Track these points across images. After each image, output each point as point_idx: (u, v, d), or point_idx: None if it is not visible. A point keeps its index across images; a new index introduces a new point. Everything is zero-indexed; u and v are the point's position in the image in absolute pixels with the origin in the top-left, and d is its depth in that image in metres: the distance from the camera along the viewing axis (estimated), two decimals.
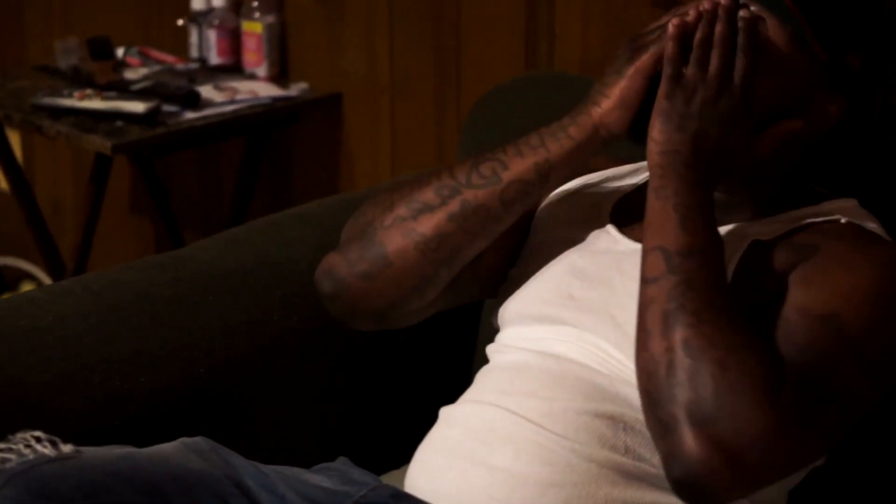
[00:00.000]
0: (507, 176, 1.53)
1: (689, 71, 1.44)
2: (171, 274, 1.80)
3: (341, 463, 1.57)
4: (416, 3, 2.54)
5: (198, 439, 1.51)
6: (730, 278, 1.45)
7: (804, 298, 1.41)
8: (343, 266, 1.62)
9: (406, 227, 1.57)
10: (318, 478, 1.53)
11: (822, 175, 1.65)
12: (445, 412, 1.59)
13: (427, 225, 1.56)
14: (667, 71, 1.45)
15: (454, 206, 1.55)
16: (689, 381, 1.33)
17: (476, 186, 1.54)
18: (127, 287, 1.77)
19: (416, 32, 2.55)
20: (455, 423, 1.55)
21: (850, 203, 1.59)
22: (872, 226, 1.55)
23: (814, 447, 1.39)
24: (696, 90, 1.44)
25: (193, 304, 1.77)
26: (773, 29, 1.50)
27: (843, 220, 1.54)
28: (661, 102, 1.45)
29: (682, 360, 1.34)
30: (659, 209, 1.42)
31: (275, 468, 1.52)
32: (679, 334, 1.35)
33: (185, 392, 1.72)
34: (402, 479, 1.57)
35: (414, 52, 2.57)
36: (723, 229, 1.52)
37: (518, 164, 1.53)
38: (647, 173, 1.61)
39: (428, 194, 1.57)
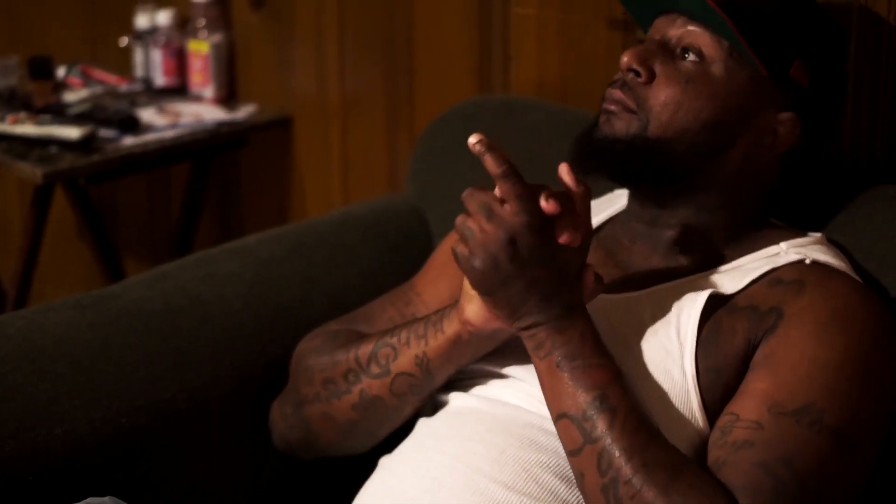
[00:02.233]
0: (394, 367, 1.55)
1: (461, 249, 1.39)
2: (93, 315, 1.73)
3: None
4: (368, 22, 2.48)
5: (106, 499, 1.48)
6: (693, 341, 1.43)
7: (774, 390, 1.37)
8: (282, 425, 1.69)
9: (323, 409, 1.61)
10: None
11: (783, 206, 1.61)
12: (386, 460, 1.57)
13: (338, 410, 1.60)
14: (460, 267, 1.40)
15: (356, 395, 1.57)
16: None
17: (372, 376, 1.56)
18: (43, 330, 1.70)
19: (367, 53, 2.50)
20: (396, 470, 1.51)
21: (815, 238, 1.55)
22: (839, 263, 1.50)
23: None
24: (486, 261, 1.36)
25: (116, 348, 1.70)
26: (709, 46, 1.48)
27: (807, 261, 1.49)
28: (470, 290, 1.44)
29: None
30: (545, 371, 1.40)
31: None
32: None
33: (104, 444, 1.64)
34: None
35: (365, 74, 2.51)
36: (676, 283, 1.51)
37: (404, 355, 1.54)
38: (604, 213, 1.56)
39: (339, 375, 1.59)
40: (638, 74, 1.49)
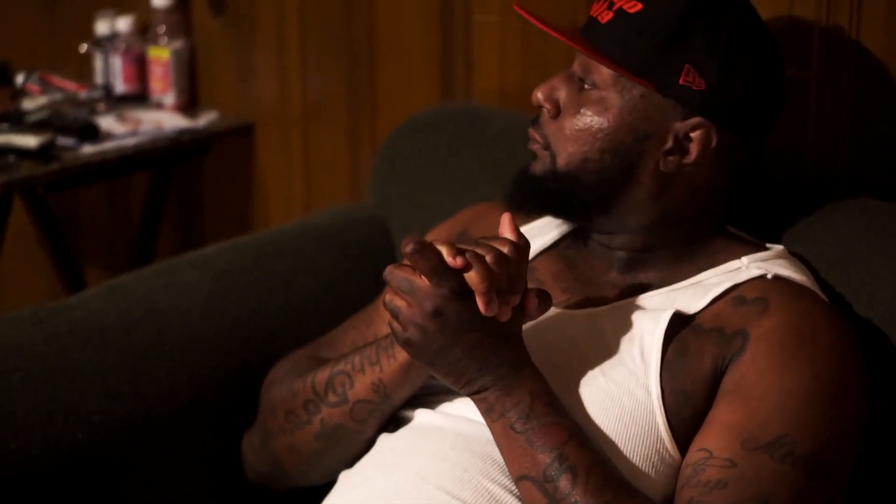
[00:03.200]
0: (352, 395, 1.54)
1: (395, 325, 1.40)
2: (49, 329, 1.71)
3: None
4: (329, 29, 2.46)
5: None
6: (657, 361, 1.42)
7: (746, 422, 1.36)
8: (252, 458, 1.69)
9: (288, 441, 1.60)
10: None
11: (744, 217, 1.60)
12: (346, 475, 1.55)
13: (301, 442, 1.59)
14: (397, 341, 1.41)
15: (317, 424, 1.56)
16: None
17: (331, 405, 1.56)
18: None
19: (329, 60, 2.48)
20: (356, 487, 1.50)
21: (776, 252, 1.53)
22: (801, 278, 1.49)
23: None
24: (418, 334, 1.37)
25: (72, 363, 1.69)
26: (598, 72, 1.49)
27: (769, 276, 1.48)
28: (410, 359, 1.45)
29: None
30: (500, 434, 1.41)
31: None
32: None
33: (60, 460, 1.62)
34: None
35: (327, 80, 2.49)
36: (638, 300, 1.50)
37: (360, 382, 1.53)
38: (556, 231, 1.56)
39: (299, 405, 1.58)
40: (549, 110, 1.52)
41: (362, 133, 2.45)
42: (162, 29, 2.67)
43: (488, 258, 1.35)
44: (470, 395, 1.40)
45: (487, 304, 1.35)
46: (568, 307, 1.51)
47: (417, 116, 2.10)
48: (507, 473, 1.41)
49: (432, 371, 1.41)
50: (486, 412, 1.40)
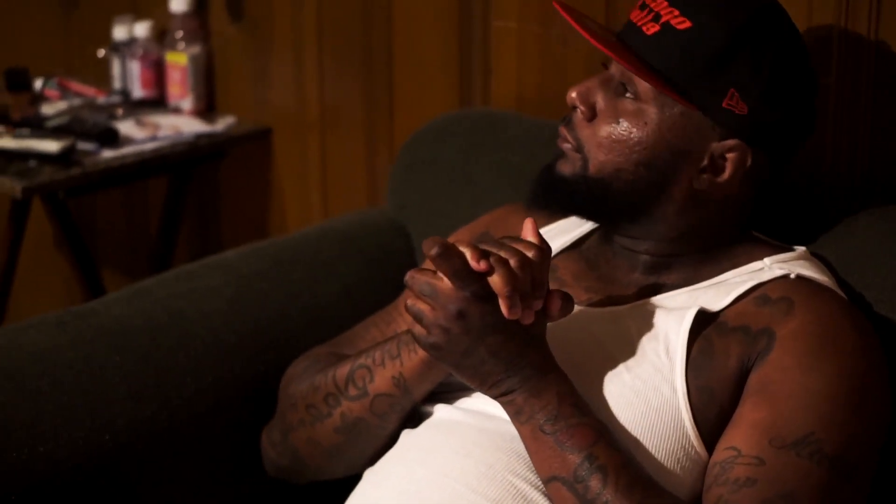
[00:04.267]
0: (372, 389, 1.54)
1: (417, 329, 1.40)
2: (73, 333, 1.72)
3: None
4: (347, 35, 2.47)
5: None
6: (682, 358, 1.43)
7: (773, 421, 1.37)
8: (272, 453, 1.70)
9: (308, 434, 1.61)
10: None
11: (767, 221, 1.61)
12: (370, 473, 1.55)
13: (321, 435, 1.60)
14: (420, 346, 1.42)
15: (337, 418, 1.57)
16: None
17: (351, 398, 1.56)
18: (24, 349, 1.69)
19: (346, 65, 2.48)
20: (380, 484, 1.50)
21: (798, 253, 1.54)
22: (822, 278, 1.50)
23: None
24: (441, 336, 1.38)
25: (97, 367, 1.69)
26: (642, 86, 1.48)
27: (792, 276, 1.49)
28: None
29: None
30: (529, 436, 1.40)
31: None
32: None
33: (88, 463, 1.63)
34: None
35: (345, 86, 2.50)
36: (661, 298, 1.51)
37: (381, 376, 1.54)
38: (577, 230, 1.56)
39: (320, 399, 1.59)
40: (583, 112, 1.51)
41: (379, 138, 2.46)
42: (179, 34, 2.68)
43: (512, 262, 1.36)
44: (496, 397, 1.41)
45: (511, 307, 1.35)
46: (591, 306, 1.52)
47: (435, 122, 2.10)
48: (533, 469, 1.42)
49: (457, 374, 1.42)
50: (515, 415, 1.40)
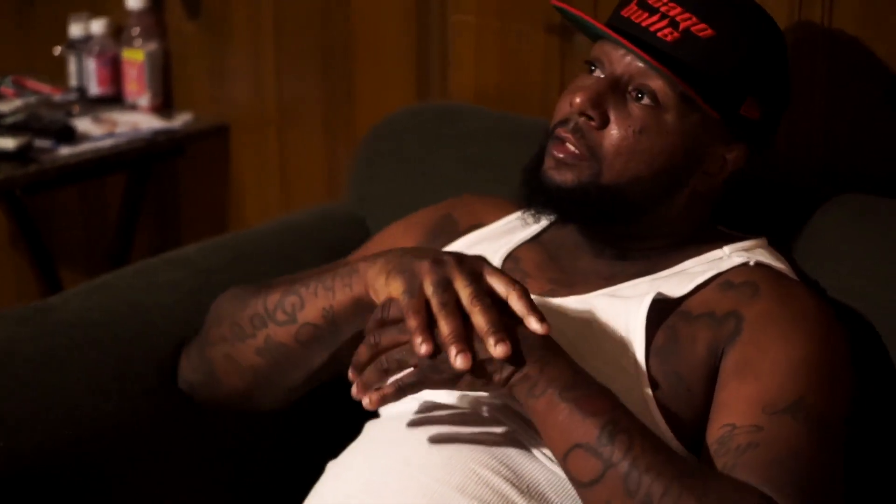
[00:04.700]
0: (301, 317, 1.52)
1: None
2: (34, 328, 1.71)
3: None
4: (305, 30, 2.47)
5: None
6: (642, 343, 1.43)
7: (763, 392, 1.38)
8: (186, 366, 1.68)
9: (227, 351, 1.59)
10: None
11: (728, 214, 1.63)
12: (333, 465, 1.54)
13: (241, 354, 1.58)
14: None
15: (260, 340, 1.55)
16: None
17: (279, 323, 1.54)
18: None
19: (304, 59, 2.49)
20: (344, 476, 1.49)
21: (757, 242, 1.56)
22: (780, 266, 1.53)
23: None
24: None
25: (57, 361, 1.68)
26: (662, 90, 1.47)
27: (751, 263, 1.51)
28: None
29: None
30: (546, 409, 1.35)
31: None
32: None
33: (50, 458, 1.61)
34: None
35: (303, 80, 2.50)
36: (622, 287, 1.52)
37: (312, 306, 1.51)
38: (542, 222, 1.56)
39: (245, 319, 1.56)
40: (591, 118, 1.48)
41: (339, 133, 2.46)
42: (136, 31, 2.67)
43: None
44: (508, 379, 1.35)
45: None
46: (553, 296, 1.53)
47: (394, 116, 2.10)
48: (495, 456, 1.42)
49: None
50: (529, 391, 1.34)
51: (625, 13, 1.50)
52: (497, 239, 1.64)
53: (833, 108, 1.76)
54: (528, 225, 1.64)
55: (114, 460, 1.67)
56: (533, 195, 1.53)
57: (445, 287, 1.35)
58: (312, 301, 1.50)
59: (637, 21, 1.48)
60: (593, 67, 1.52)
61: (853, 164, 1.77)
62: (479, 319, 1.33)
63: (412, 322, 1.33)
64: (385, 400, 1.35)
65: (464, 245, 1.65)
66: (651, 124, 1.46)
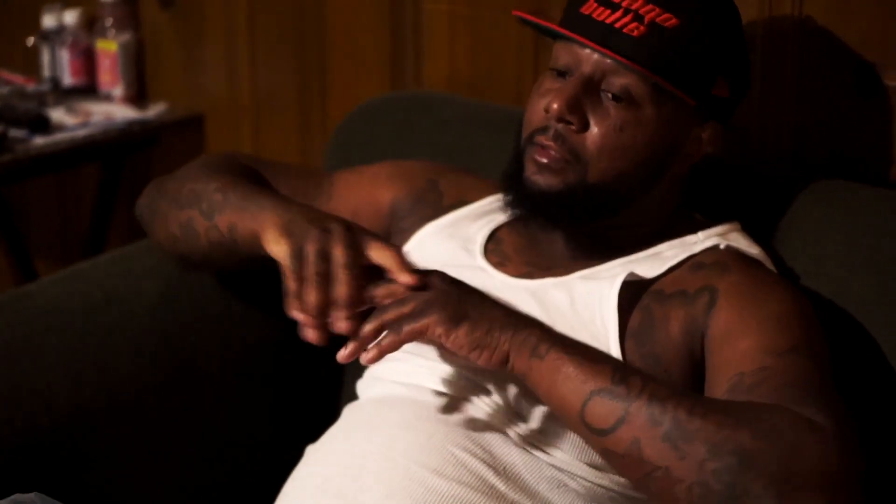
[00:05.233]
0: (216, 218, 1.57)
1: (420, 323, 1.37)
2: (11, 315, 1.71)
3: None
4: (278, 19, 2.47)
5: (32, 495, 1.45)
6: (615, 323, 1.44)
7: (760, 343, 1.39)
8: (144, 197, 1.75)
9: (164, 208, 1.67)
10: None
11: (702, 202, 1.63)
12: (312, 449, 1.55)
13: (171, 219, 1.65)
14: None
15: (184, 217, 1.62)
16: (747, 471, 1.25)
17: (201, 212, 1.60)
18: None
19: (278, 49, 2.49)
20: (322, 460, 1.50)
21: (730, 227, 1.57)
22: (754, 251, 1.55)
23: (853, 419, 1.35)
24: (439, 298, 1.37)
25: (35, 348, 1.68)
26: (636, 86, 1.47)
27: (721, 246, 1.53)
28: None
29: (728, 462, 1.25)
30: (553, 366, 1.34)
31: None
32: (699, 446, 1.26)
33: (27, 445, 1.62)
34: None
35: (277, 71, 2.50)
36: (596, 269, 1.53)
37: (224, 215, 1.56)
38: None
39: (188, 190, 1.63)
40: (570, 123, 1.48)
41: (313, 122, 2.47)
42: (109, 22, 2.68)
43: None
44: (509, 341, 1.35)
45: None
46: (531, 277, 1.54)
47: (368, 104, 2.11)
48: (473, 439, 1.43)
49: (476, 330, 1.36)
50: (532, 352, 1.35)
51: (585, 10, 1.50)
52: (479, 218, 1.66)
53: (803, 94, 1.78)
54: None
55: (91, 448, 1.67)
56: (517, 201, 1.54)
57: (324, 257, 1.37)
58: (227, 211, 1.55)
59: (600, 18, 1.48)
60: (561, 74, 1.52)
61: (824, 150, 1.78)
62: (337, 290, 1.36)
63: (292, 285, 1.37)
64: (382, 352, 1.36)
65: (446, 223, 1.66)
66: (630, 120, 1.47)
